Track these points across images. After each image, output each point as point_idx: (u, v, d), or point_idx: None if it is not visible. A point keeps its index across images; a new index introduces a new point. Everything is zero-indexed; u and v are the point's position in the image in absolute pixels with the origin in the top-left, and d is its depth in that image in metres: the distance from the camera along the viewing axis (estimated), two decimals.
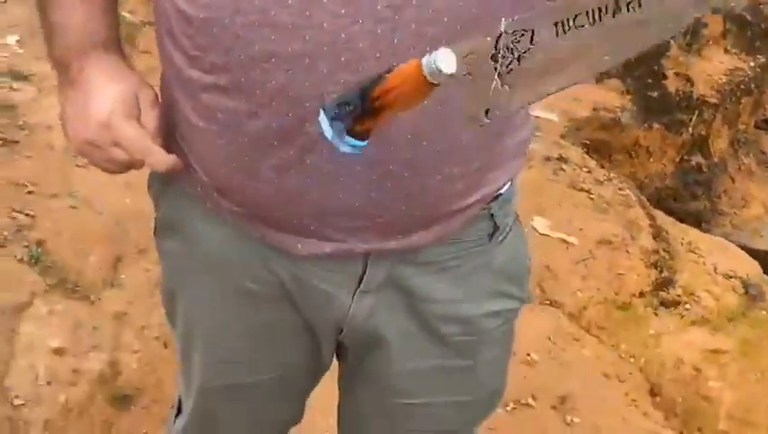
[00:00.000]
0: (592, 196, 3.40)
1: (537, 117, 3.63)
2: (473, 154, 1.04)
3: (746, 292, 3.17)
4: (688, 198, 4.45)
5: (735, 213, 4.53)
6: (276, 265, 1.11)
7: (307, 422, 1.40)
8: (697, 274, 3.20)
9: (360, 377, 1.25)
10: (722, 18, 4.47)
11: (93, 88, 1.04)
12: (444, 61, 0.68)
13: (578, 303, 2.96)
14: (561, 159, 3.56)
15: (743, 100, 4.50)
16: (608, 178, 3.55)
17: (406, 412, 1.25)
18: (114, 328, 2.28)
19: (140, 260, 2.50)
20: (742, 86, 4.44)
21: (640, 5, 0.66)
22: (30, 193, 2.59)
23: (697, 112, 4.32)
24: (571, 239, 3.17)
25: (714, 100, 4.34)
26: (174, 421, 1.37)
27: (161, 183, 1.17)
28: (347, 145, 0.74)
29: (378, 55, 0.90)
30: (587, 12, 0.68)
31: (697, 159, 4.43)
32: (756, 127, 4.82)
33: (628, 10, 0.67)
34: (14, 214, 2.48)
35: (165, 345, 2.25)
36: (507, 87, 0.70)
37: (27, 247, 2.38)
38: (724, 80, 4.37)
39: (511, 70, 0.69)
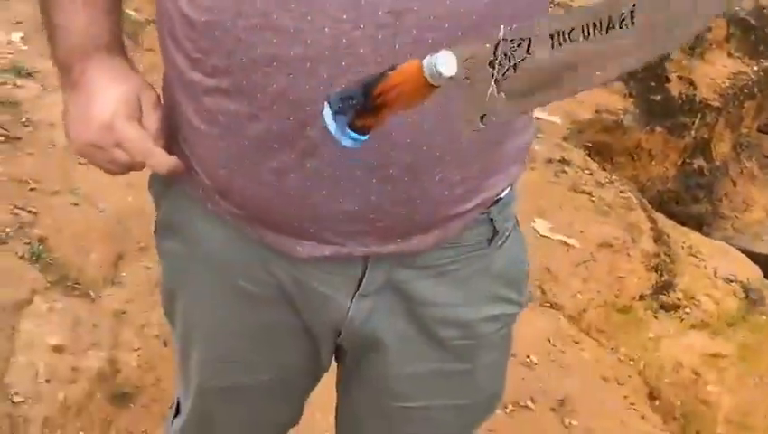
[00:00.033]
0: (593, 199, 3.41)
1: (539, 118, 3.63)
2: (473, 159, 1.04)
3: (746, 296, 3.17)
4: (689, 201, 4.45)
5: (736, 217, 4.53)
6: (276, 267, 1.11)
7: (307, 421, 1.41)
8: (698, 278, 3.20)
9: (358, 380, 1.25)
10: (726, 22, 4.47)
11: (95, 89, 1.05)
12: (445, 63, 0.68)
13: (578, 305, 2.96)
14: (563, 161, 3.56)
15: (745, 104, 4.50)
16: (610, 181, 3.55)
17: (404, 416, 1.25)
18: (114, 326, 2.28)
19: (141, 258, 2.51)
20: (745, 90, 4.44)
21: (633, 24, 0.67)
22: (32, 189, 2.59)
23: (699, 115, 4.32)
24: (572, 241, 3.17)
25: (716, 104, 4.34)
26: (172, 422, 1.37)
27: (162, 184, 1.17)
28: (348, 138, 0.75)
29: (379, 60, 0.90)
30: (582, 26, 0.68)
31: (699, 162, 4.43)
32: (759, 130, 4.82)
33: (621, 27, 0.67)
34: (16, 211, 2.48)
35: (165, 344, 2.25)
36: (503, 94, 0.71)
37: (28, 244, 2.39)
38: (727, 84, 4.37)
39: (508, 77, 0.70)
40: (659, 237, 3.30)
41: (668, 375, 2.84)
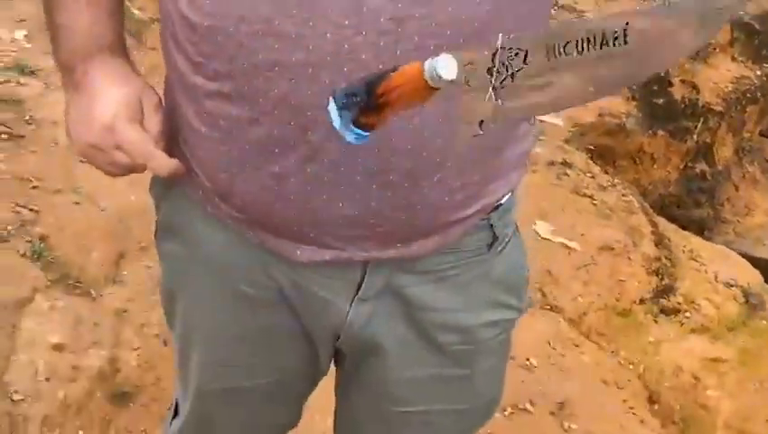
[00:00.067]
0: (595, 202, 3.41)
1: (541, 121, 3.63)
2: (474, 165, 1.04)
3: (747, 301, 3.17)
4: (691, 205, 4.45)
5: (738, 221, 4.52)
6: (275, 270, 1.11)
7: (306, 423, 1.41)
8: (698, 282, 3.20)
9: (357, 384, 1.25)
10: (729, 26, 4.46)
11: (97, 91, 1.05)
12: (445, 67, 0.68)
13: (579, 308, 2.96)
14: (565, 164, 3.56)
15: (748, 109, 4.49)
16: (612, 184, 3.55)
17: (402, 420, 1.25)
18: (114, 325, 2.29)
19: (142, 258, 2.51)
20: (748, 94, 4.44)
21: (626, 42, 0.67)
22: (34, 187, 2.60)
23: (702, 120, 4.31)
24: (573, 244, 3.17)
25: (719, 108, 4.34)
26: (171, 423, 1.38)
27: (162, 186, 1.18)
28: (352, 134, 0.76)
29: (380, 66, 0.90)
30: (576, 41, 0.69)
31: (701, 166, 4.43)
32: (761, 135, 4.82)
33: (615, 45, 0.68)
34: (18, 209, 2.49)
35: (165, 343, 2.25)
36: (500, 101, 0.71)
37: (30, 242, 2.39)
38: (730, 89, 4.36)
39: (505, 86, 0.70)
40: (660, 241, 3.30)
41: (667, 379, 2.84)
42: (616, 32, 0.67)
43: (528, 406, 2.54)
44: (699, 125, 4.32)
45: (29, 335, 2.14)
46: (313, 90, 0.93)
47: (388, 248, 1.07)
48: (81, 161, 2.32)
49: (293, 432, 1.41)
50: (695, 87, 4.30)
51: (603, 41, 0.68)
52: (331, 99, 0.75)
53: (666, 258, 3.24)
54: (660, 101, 4.18)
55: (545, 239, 3.17)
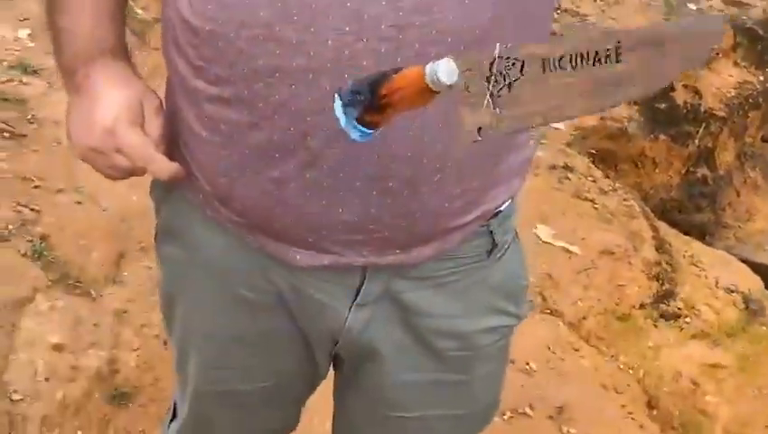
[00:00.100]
0: (596, 206, 3.41)
1: None
2: (474, 172, 1.05)
3: (747, 307, 3.17)
4: (692, 210, 4.45)
5: (739, 227, 4.52)
6: (275, 274, 1.11)
7: (304, 426, 1.41)
8: (699, 287, 3.20)
9: (355, 389, 1.25)
10: (732, 31, 4.46)
11: (98, 94, 1.05)
12: (445, 71, 0.69)
13: (578, 313, 2.96)
14: (567, 168, 3.56)
15: (750, 114, 4.49)
16: (613, 188, 3.55)
17: (400, 425, 1.25)
18: (114, 325, 2.29)
19: (143, 258, 2.51)
20: (750, 100, 4.43)
21: (618, 61, 0.68)
22: (36, 187, 2.60)
23: (704, 125, 4.31)
24: (574, 248, 3.17)
25: (721, 113, 4.33)
26: (169, 425, 1.38)
27: (163, 190, 1.18)
28: (356, 131, 0.76)
29: None
30: (571, 56, 0.69)
31: (702, 171, 4.42)
32: (763, 140, 4.81)
33: (607, 63, 0.68)
34: (20, 208, 2.49)
35: (165, 344, 2.25)
36: (498, 109, 0.71)
37: (31, 241, 2.40)
38: (732, 94, 4.36)
39: (502, 95, 0.71)
40: (660, 246, 3.30)
41: (667, 384, 2.84)
42: (608, 50, 0.68)
43: (527, 410, 2.54)
44: (701, 130, 4.32)
45: (29, 335, 2.15)
46: (314, 96, 0.94)
47: (387, 254, 1.07)
48: None
49: None
50: (697, 92, 4.30)
51: (596, 58, 0.68)
52: (336, 95, 0.75)
53: (666, 263, 3.24)
54: (663, 106, 4.18)
55: (546, 242, 3.17)
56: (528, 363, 2.68)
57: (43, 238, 2.41)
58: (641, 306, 3.06)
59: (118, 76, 1.07)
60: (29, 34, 3.21)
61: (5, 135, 2.75)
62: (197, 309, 1.20)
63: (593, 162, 3.80)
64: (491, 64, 0.71)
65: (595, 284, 3.06)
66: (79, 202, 2.59)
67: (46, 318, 2.21)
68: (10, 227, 2.41)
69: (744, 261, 3.60)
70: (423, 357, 1.18)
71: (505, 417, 2.48)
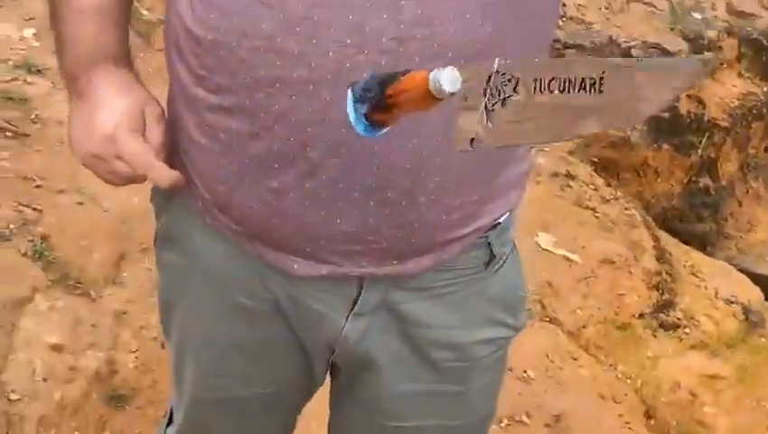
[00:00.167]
0: (597, 214, 3.40)
1: None
2: (472, 185, 1.05)
3: (746, 318, 3.17)
4: (694, 220, 4.45)
5: (740, 237, 4.52)
6: (273, 283, 1.12)
7: (302, 430, 1.42)
8: (698, 298, 3.20)
9: (351, 397, 1.26)
10: (737, 42, 4.46)
11: (100, 100, 1.05)
12: (448, 79, 0.69)
13: (578, 321, 2.96)
14: (568, 176, 3.56)
15: (754, 125, 4.48)
16: (614, 197, 3.55)
17: None
18: (113, 327, 2.29)
19: (143, 259, 2.51)
20: (754, 110, 4.43)
21: (601, 91, 0.68)
22: (38, 187, 2.60)
23: (707, 135, 4.31)
24: (574, 256, 3.17)
25: (725, 124, 4.33)
26: (165, 430, 1.38)
27: (163, 197, 1.18)
28: (363, 127, 0.77)
29: None
30: (560, 79, 0.70)
31: (705, 181, 4.42)
32: (766, 151, 4.81)
33: (591, 91, 0.69)
34: (21, 208, 2.49)
35: (163, 346, 2.25)
36: (490, 123, 0.72)
37: (32, 241, 2.40)
38: (736, 104, 4.36)
39: (496, 109, 0.71)
40: (661, 255, 3.30)
41: (664, 395, 2.84)
42: (593, 78, 0.68)
43: (524, 418, 2.54)
44: (704, 140, 4.32)
45: (27, 335, 2.15)
46: (314, 107, 0.94)
47: (385, 264, 1.07)
48: None
49: None
50: (701, 102, 4.30)
51: (581, 85, 0.69)
52: (349, 90, 0.77)
53: (667, 273, 3.23)
54: (666, 115, 4.18)
55: (546, 250, 3.17)
56: (526, 371, 2.68)
57: (44, 238, 2.42)
58: (641, 315, 3.06)
59: (120, 83, 1.07)
60: (34, 34, 3.21)
61: (8, 134, 2.75)
62: (196, 316, 1.21)
63: (595, 170, 3.80)
64: (489, 78, 0.72)
65: (595, 293, 3.06)
66: (81, 203, 2.59)
67: (45, 318, 2.21)
68: (11, 226, 2.42)
69: (745, 272, 3.60)
70: (420, 368, 1.18)
71: (502, 424, 2.48)
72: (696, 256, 3.52)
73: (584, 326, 2.95)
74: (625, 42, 4.20)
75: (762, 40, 4.57)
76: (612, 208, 3.47)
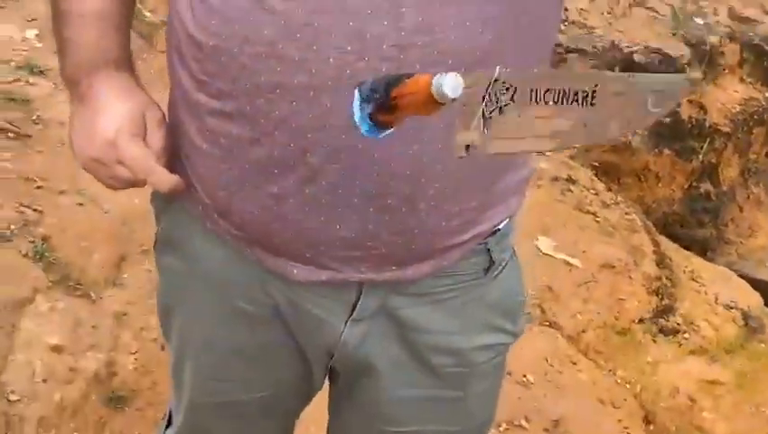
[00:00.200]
0: (598, 219, 3.41)
1: None
2: (472, 192, 1.05)
3: (746, 324, 3.17)
4: (694, 225, 4.45)
5: (741, 243, 4.52)
6: (272, 288, 1.12)
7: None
8: (698, 303, 3.20)
9: (350, 402, 1.26)
10: (739, 47, 4.46)
11: (101, 105, 1.06)
12: (450, 85, 0.70)
13: (577, 326, 2.96)
14: (569, 180, 3.56)
15: (755, 130, 4.48)
16: (615, 202, 3.55)
17: None
18: (113, 328, 2.29)
19: (143, 261, 2.51)
20: (755, 116, 4.43)
21: (593, 104, 0.68)
22: (39, 188, 2.60)
23: (708, 140, 4.31)
24: (574, 261, 3.17)
25: (726, 129, 4.33)
26: (164, 433, 1.38)
27: (163, 200, 1.18)
28: (367, 127, 0.77)
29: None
30: (554, 90, 0.70)
31: (706, 187, 4.42)
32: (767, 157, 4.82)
33: (583, 104, 0.69)
34: (22, 209, 2.49)
35: (163, 348, 2.26)
36: (486, 131, 0.72)
37: (32, 242, 2.40)
38: (737, 110, 4.36)
39: (492, 117, 0.72)
40: (661, 260, 3.30)
41: (664, 400, 2.84)
42: (585, 91, 0.69)
43: (523, 422, 2.54)
44: (705, 145, 4.32)
45: (28, 336, 2.15)
46: (314, 113, 0.94)
47: (385, 270, 1.07)
48: None
49: None
50: (702, 107, 4.30)
51: (575, 97, 0.69)
52: (357, 90, 0.77)
53: (667, 278, 3.24)
54: (667, 120, 4.18)
55: (546, 254, 3.17)
56: (525, 376, 2.68)
57: (45, 239, 2.42)
58: (641, 320, 3.06)
59: (122, 88, 1.07)
60: (36, 35, 3.21)
61: (10, 135, 2.75)
62: (196, 320, 1.21)
63: (596, 174, 3.80)
64: (489, 85, 0.72)
65: (595, 297, 3.06)
66: (82, 204, 2.60)
67: (45, 319, 2.21)
68: (12, 227, 2.42)
69: (745, 277, 3.60)
70: (419, 373, 1.18)
71: (501, 429, 2.48)
72: (696, 261, 3.52)
73: (583, 331, 2.95)
74: (627, 46, 4.20)
75: (763, 45, 4.57)
76: (612, 213, 3.47)
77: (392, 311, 1.13)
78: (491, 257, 1.15)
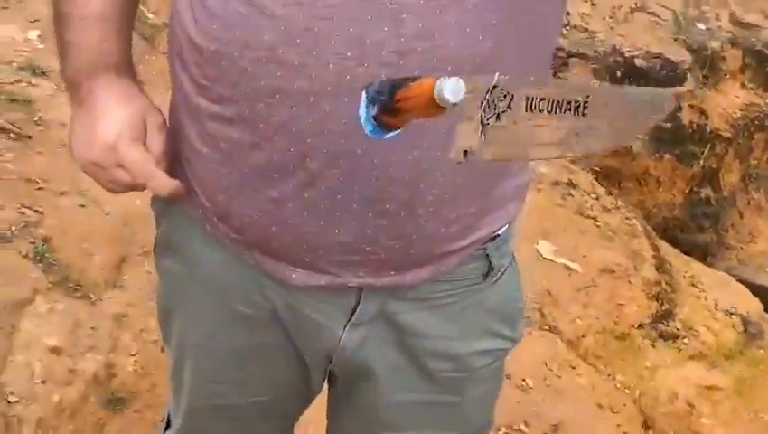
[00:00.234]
0: (598, 223, 3.41)
1: None
2: (470, 198, 1.05)
3: (745, 330, 3.17)
4: (695, 230, 4.45)
5: (741, 248, 4.52)
6: (271, 292, 1.12)
7: None
8: (698, 309, 3.20)
9: (348, 406, 1.26)
10: (741, 52, 4.46)
11: (101, 110, 1.06)
12: (451, 89, 0.70)
13: (577, 330, 2.96)
14: (570, 184, 3.56)
15: (756, 136, 4.48)
16: (616, 206, 3.55)
17: None
18: (112, 330, 2.29)
19: (144, 263, 2.51)
20: (756, 121, 4.43)
21: (584, 115, 0.69)
22: (39, 189, 2.60)
23: (709, 145, 4.31)
24: (574, 265, 3.17)
25: (727, 134, 4.33)
26: None
27: (163, 203, 1.19)
28: (371, 127, 0.78)
29: None
30: (549, 99, 0.71)
31: (706, 192, 4.42)
32: None
33: (576, 114, 0.69)
34: (23, 210, 2.49)
35: (162, 350, 2.26)
36: (483, 136, 0.72)
37: (33, 243, 2.40)
38: (738, 115, 4.36)
39: (490, 123, 0.72)
40: (661, 265, 3.30)
41: (662, 405, 2.84)
42: (578, 102, 0.69)
43: (522, 427, 2.54)
44: (706, 150, 4.32)
45: (27, 337, 2.15)
46: (314, 118, 0.95)
47: (383, 275, 1.08)
48: None
49: None
50: (703, 112, 4.30)
51: (567, 107, 0.70)
52: (364, 91, 0.77)
53: (666, 283, 3.24)
54: (668, 125, 4.18)
55: (546, 259, 3.17)
56: (524, 380, 2.68)
57: (45, 240, 2.42)
58: (640, 325, 3.06)
59: (122, 92, 1.08)
60: (38, 36, 3.21)
61: (12, 136, 2.75)
62: (195, 324, 1.21)
63: (596, 179, 3.80)
64: (488, 92, 0.73)
65: (595, 302, 3.06)
66: (83, 206, 2.59)
67: (45, 320, 2.21)
68: (12, 228, 2.42)
69: (745, 283, 3.60)
70: (417, 378, 1.18)
71: (500, 433, 2.48)
72: (696, 266, 3.52)
73: (583, 336, 2.95)
74: (629, 51, 4.20)
75: (765, 51, 4.57)
76: (613, 217, 3.47)
77: (391, 316, 1.13)
78: (490, 262, 1.16)
